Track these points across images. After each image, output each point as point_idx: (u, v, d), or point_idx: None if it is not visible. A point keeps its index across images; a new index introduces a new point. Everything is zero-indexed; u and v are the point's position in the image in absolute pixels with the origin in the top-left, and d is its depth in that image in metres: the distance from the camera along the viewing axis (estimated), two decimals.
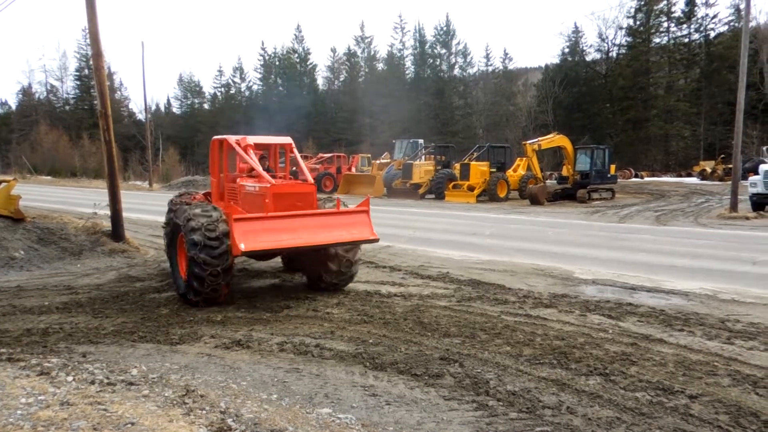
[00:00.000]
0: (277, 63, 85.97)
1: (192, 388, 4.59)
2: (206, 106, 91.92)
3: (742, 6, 23.62)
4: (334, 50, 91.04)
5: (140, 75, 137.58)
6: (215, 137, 9.55)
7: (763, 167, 22.54)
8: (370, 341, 6.39)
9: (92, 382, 4.51)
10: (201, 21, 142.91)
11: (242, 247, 7.21)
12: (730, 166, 27.45)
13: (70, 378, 4.61)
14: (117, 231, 13.20)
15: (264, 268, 10.90)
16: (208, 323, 7.18)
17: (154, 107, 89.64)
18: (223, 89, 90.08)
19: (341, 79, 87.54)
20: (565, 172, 31.08)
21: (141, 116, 78.23)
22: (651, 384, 5.15)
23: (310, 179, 8.90)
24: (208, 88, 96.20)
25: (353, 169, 38.96)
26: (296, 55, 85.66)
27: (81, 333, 6.77)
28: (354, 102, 76.91)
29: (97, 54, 13.13)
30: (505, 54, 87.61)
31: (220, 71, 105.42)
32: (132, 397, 4.20)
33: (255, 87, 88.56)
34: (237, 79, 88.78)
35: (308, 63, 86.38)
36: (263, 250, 7.60)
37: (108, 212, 13.35)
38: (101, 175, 56.89)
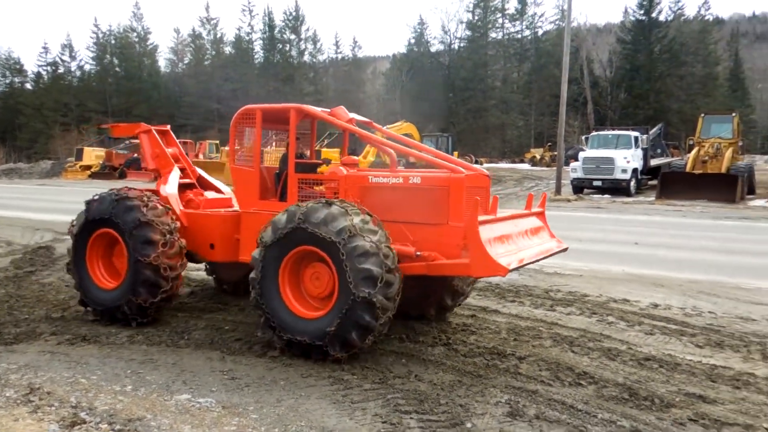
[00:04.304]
0: (113, 42, 79.99)
1: (36, 386, 4.39)
2: (29, 86, 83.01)
3: (566, 7, 26.14)
4: (177, 31, 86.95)
5: None
6: (252, 106, 6.56)
7: (582, 154, 25.28)
8: (227, 328, 6.42)
9: None
10: None
11: (506, 263, 5.02)
12: (556, 153, 30.27)
13: None
14: None
15: None
16: (47, 321, 6.73)
17: None
18: (49, 68, 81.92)
19: (186, 62, 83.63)
20: (412, 158, 32.47)
21: None
22: (487, 349, 5.75)
23: (484, 169, 6.36)
24: (31, 66, 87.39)
25: (201, 156, 37.72)
26: (135, 34, 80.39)
27: None
28: (200, 86, 73.91)
29: None
30: (355, 42, 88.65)
31: (45, 48, 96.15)
32: None
33: (87, 67, 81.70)
34: (66, 58, 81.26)
35: (148, 43, 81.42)
36: (516, 268, 5.27)
37: None
38: None
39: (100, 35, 79.56)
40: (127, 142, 43.72)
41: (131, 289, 6.20)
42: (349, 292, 5.01)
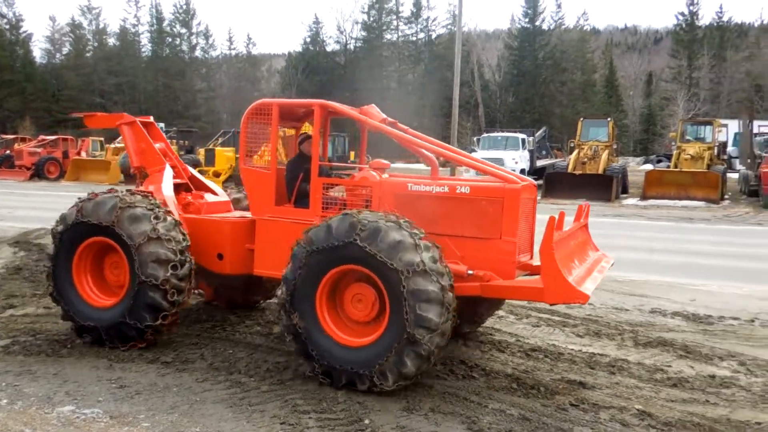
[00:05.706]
0: None
1: None
2: None
3: (457, 12, 27.05)
4: (53, 19, 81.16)
5: None
6: (268, 101, 5.90)
7: (474, 155, 26.23)
8: None
9: None
10: None
11: (584, 288, 4.64)
12: None
13: None
14: None
15: None
16: None
17: None
18: None
19: (64, 53, 78.28)
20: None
21: None
22: None
23: (528, 179, 5.69)
24: None
25: (83, 154, 35.40)
26: (5, 20, 74.04)
27: None
28: (81, 79, 69.52)
29: None
30: (249, 39, 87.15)
31: None
32: None
33: None
34: None
35: (21, 31, 75.34)
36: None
37: None
38: None
39: None
40: None
41: (131, 310, 5.38)
42: (401, 325, 4.50)
